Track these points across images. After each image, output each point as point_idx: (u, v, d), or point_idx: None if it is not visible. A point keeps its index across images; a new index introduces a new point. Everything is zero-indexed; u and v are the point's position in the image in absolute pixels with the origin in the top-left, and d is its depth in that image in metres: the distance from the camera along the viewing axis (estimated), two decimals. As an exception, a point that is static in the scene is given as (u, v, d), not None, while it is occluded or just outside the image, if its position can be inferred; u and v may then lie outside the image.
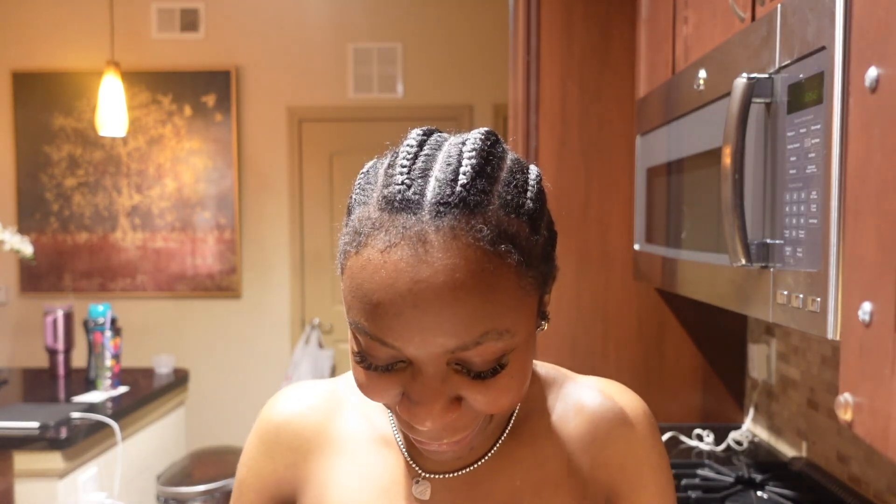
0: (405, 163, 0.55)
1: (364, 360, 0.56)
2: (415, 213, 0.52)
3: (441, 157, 0.55)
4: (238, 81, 3.89)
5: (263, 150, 3.93)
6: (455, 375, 0.54)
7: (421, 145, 0.57)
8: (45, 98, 3.90)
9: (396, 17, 3.88)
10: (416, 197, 0.52)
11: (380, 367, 0.55)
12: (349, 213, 0.59)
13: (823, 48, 0.84)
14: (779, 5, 0.97)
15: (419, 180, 0.53)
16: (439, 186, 0.53)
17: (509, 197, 0.55)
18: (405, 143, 0.57)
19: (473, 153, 0.55)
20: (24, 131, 3.91)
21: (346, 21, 3.88)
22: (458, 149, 0.56)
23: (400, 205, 0.52)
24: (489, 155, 0.56)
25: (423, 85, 3.89)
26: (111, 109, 3.01)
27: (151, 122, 3.89)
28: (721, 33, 1.28)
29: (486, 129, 0.58)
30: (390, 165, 0.56)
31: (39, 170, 3.92)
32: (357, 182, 0.60)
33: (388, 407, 0.59)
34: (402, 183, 0.53)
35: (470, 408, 0.56)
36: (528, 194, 0.57)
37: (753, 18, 1.14)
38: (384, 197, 0.54)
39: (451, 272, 0.50)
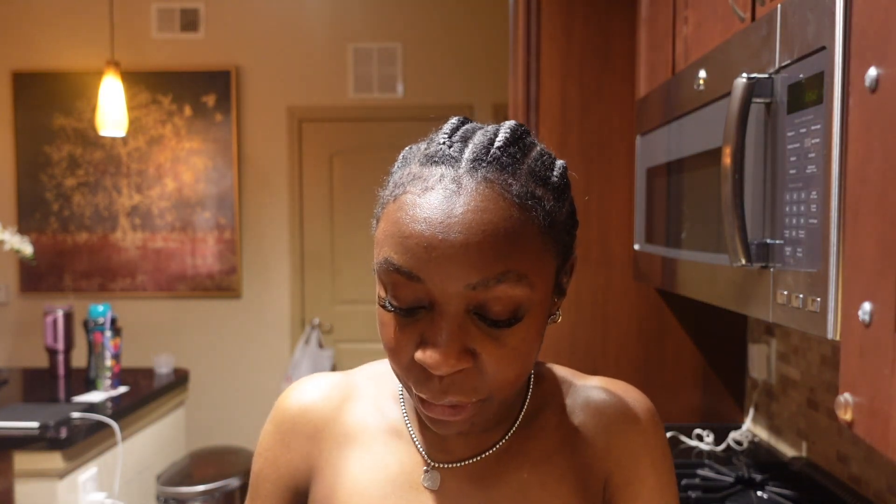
0: (447, 131, 0.61)
1: (388, 304, 0.58)
2: (452, 166, 0.57)
3: (479, 131, 0.62)
4: (238, 81, 3.89)
5: (263, 150, 3.93)
6: (472, 326, 0.56)
7: (462, 123, 0.63)
8: (45, 98, 3.89)
9: (396, 17, 3.88)
10: (456, 154, 0.58)
11: (402, 309, 0.57)
12: (389, 177, 0.64)
13: (823, 48, 0.84)
14: (779, 5, 0.97)
15: (459, 143, 0.59)
16: (476, 147, 0.59)
17: (537, 169, 0.61)
18: (446, 123, 0.63)
19: (509, 130, 0.61)
20: (24, 131, 3.91)
21: (346, 21, 3.88)
22: (495, 127, 0.63)
23: (440, 159, 0.58)
24: (522, 135, 0.62)
25: (423, 85, 3.89)
26: (111, 109, 3.01)
27: (151, 122, 3.89)
28: (721, 33, 1.28)
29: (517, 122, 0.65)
30: (431, 138, 0.63)
31: (39, 170, 3.92)
32: (401, 155, 0.65)
33: (404, 368, 0.59)
34: (444, 143, 0.59)
35: (479, 370, 0.57)
36: (555, 172, 0.63)
37: (753, 18, 1.14)
38: (425, 155, 0.60)
39: (481, 212, 0.55)
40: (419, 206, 0.55)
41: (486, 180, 0.56)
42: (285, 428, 0.74)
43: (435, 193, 0.56)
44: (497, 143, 0.59)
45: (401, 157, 0.64)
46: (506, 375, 0.58)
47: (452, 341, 0.55)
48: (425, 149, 0.61)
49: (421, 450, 0.69)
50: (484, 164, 0.57)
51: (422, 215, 0.55)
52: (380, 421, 0.72)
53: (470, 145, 0.59)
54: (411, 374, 0.59)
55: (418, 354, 0.57)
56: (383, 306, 0.59)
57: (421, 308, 0.57)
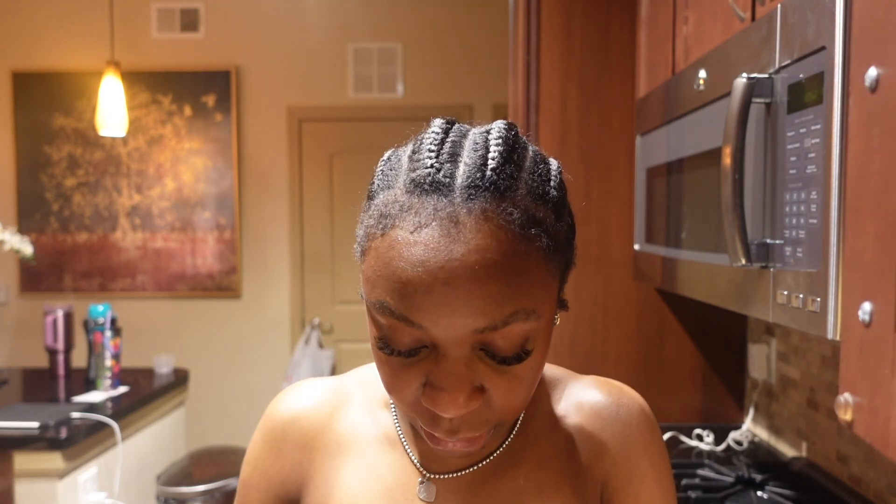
0: (432, 147, 0.55)
1: (386, 346, 0.55)
2: (445, 196, 0.52)
3: (468, 143, 0.56)
4: (238, 81, 3.89)
5: (263, 150, 3.93)
6: (479, 363, 0.54)
7: (446, 132, 0.57)
8: (45, 98, 3.89)
9: (396, 17, 3.88)
10: (447, 180, 0.52)
11: (402, 352, 0.54)
12: (370, 198, 0.58)
13: (823, 48, 0.84)
14: (779, 5, 0.97)
15: (448, 164, 0.53)
16: (469, 170, 0.53)
17: (535, 184, 0.56)
18: (429, 130, 0.57)
19: (500, 141, 0.55)
20: (24, 131, 3.91)
21: (346, 21, 3.88)
22: (484, 137, 0.56)
23: (430, 187, 0.52)
24: (514, 143, 0.56)
25: (423, 85, 3.89)
26: (111, 109, 3.01)
27: (151, 122, 3.89)
28: (721, 33, 1.28)
29: (506, 121, 0.59)
30: (415, 151, 0.56)
31: (39, 170, 3.92)
32: (378, 169, 0.59)
33: (409, 405, 0.57)
34: (432, 166, 0.53)
35: (487, 404, 0.55)
36: (552, 183, 0.58)
37: (753, 18, 1.14)
38: (412, 180, 0.53)
39: (484, 252, 0.50)
40: (414, 245, 0.50)
41: (484, 213, 0.51)
42: (276, 436, 0.71)
43: (430, 231, 0.50)
44: (491, 165, 0.53)
45: (379, 171, 0.59)
46: (515, 403, 0.56)
47: (461, 383, 0.53)
48: (410, 167, 0.55)
49: (415, 460, 0.67)
50: (480, 191, 0.51)
51: (418, 258, 0.50)
52: (372, 428, 0.70)
53: (461, 167, 0.53)
54: (417, 412, 0.57)
55: (425, 400, 0.54)
56: (381, 348, 0.55)
57: (423, 347, 0.54)
